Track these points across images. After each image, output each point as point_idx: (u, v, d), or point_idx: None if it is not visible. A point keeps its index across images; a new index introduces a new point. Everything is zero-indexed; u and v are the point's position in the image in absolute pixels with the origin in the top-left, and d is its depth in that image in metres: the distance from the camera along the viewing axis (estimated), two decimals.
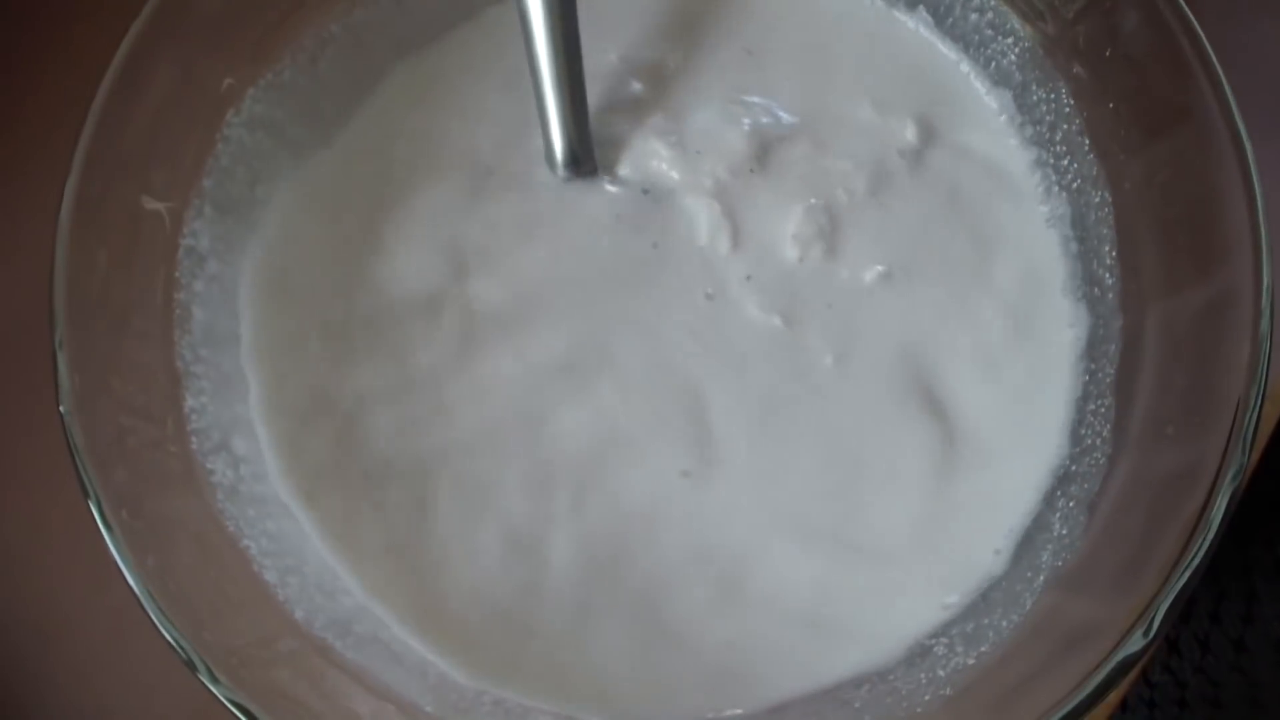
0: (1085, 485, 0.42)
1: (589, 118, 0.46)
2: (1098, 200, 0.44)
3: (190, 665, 0.36)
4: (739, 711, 0.42)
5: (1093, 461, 0.42)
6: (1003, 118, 0.47)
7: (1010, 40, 0.46)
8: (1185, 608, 0.36)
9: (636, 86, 0.48)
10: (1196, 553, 0.35)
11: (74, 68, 0.48)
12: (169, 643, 0.36)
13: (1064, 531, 0.41)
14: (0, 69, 0.54)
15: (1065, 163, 0.45)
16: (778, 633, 0.43)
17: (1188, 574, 0.35)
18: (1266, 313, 0.37)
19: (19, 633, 0.49)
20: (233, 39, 0.44)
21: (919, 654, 0.42)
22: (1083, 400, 0.44)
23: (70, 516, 0.47)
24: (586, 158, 0.46)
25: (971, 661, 0.40)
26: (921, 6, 0.48)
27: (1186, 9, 0.40)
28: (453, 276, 0.46)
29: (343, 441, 0.44)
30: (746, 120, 0.47)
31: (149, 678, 0.48)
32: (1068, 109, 0.45)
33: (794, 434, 0.44)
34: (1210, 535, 0.35)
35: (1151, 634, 0.35)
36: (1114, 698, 0.42)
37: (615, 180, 0.47)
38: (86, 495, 0.37)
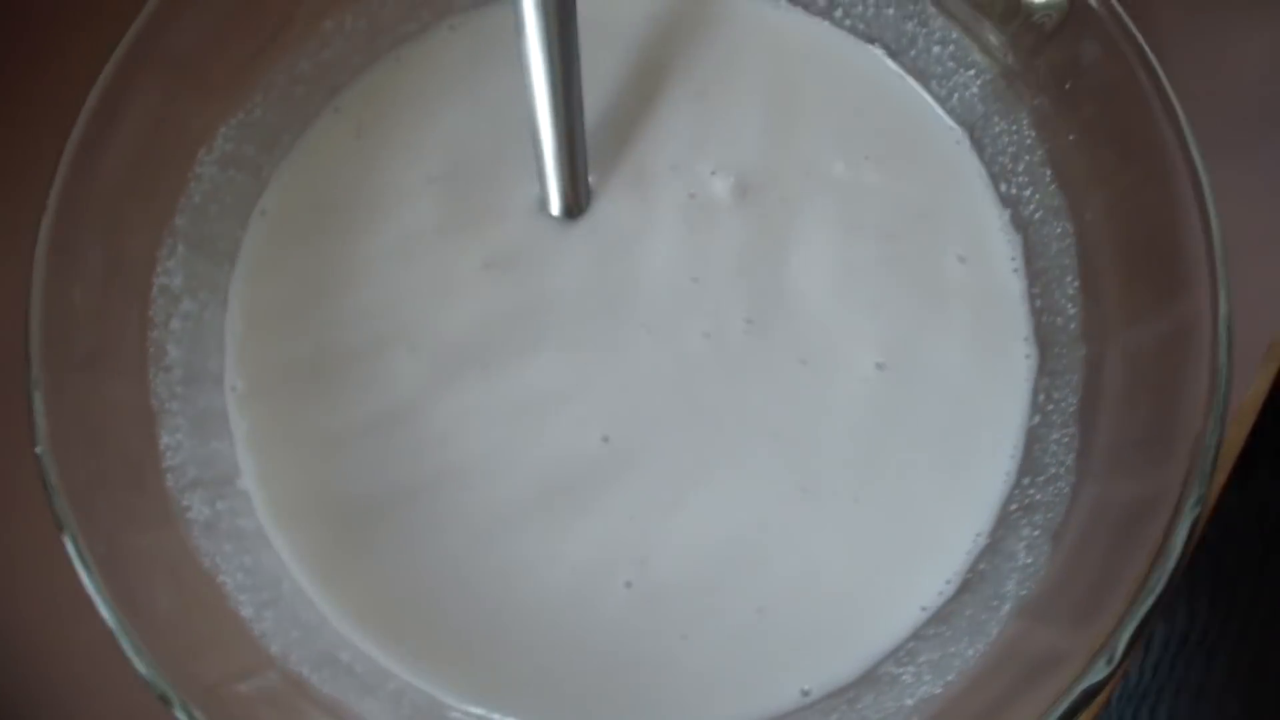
0: (1050, 514, 0.42)
1: (588, 169, 0.47)
2: (1059, 231, 0.45)
3: (164, 700, 0.36)
4: None
5: (1057, 490, 0.42)
6: (965, 149, 0.48)
7: (972, 73, 0.46)
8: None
9: (607, 129, 0.48)
10: (1158, 582, 0.36)
11: (51, 101, 0.49)
12: (143, 677, 0.36)
13: (1029, 560, 0.42)
14: None
15: (1028, 194, 0.46)
16: (759, 644, 0.44)
17: (1149, 602, 0.36)
18: (1224, 343, 0.37)
19: (1, 661, 0.49)
20: (204, 78, 0.44)
21: (886, 682, 0.42)
22: (1045, 429, 0.44)
23: (50, 546, 0.47)
24: (579, 205, 0.47)
25: (939, 690, 0.40)
26: (878, 42, 0.49)
27: (1143, 43, 0.40)
28: (431, 306, 0.46)
29: (325, 474, 0.45)
30: (712, 161, 0.48)
31: (132, 706, 0.48)
32: (1029, 141, 0.45)
33: (777, 448, 0.45)
34: (1171, 564, 0.36)
35: (1114, 663, 0.35)
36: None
37: (592, 218, 0.47)
38: (62, 532, 0.37)
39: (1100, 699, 0.37)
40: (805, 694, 0.43)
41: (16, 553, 0.50)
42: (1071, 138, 0.44)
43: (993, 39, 0.45)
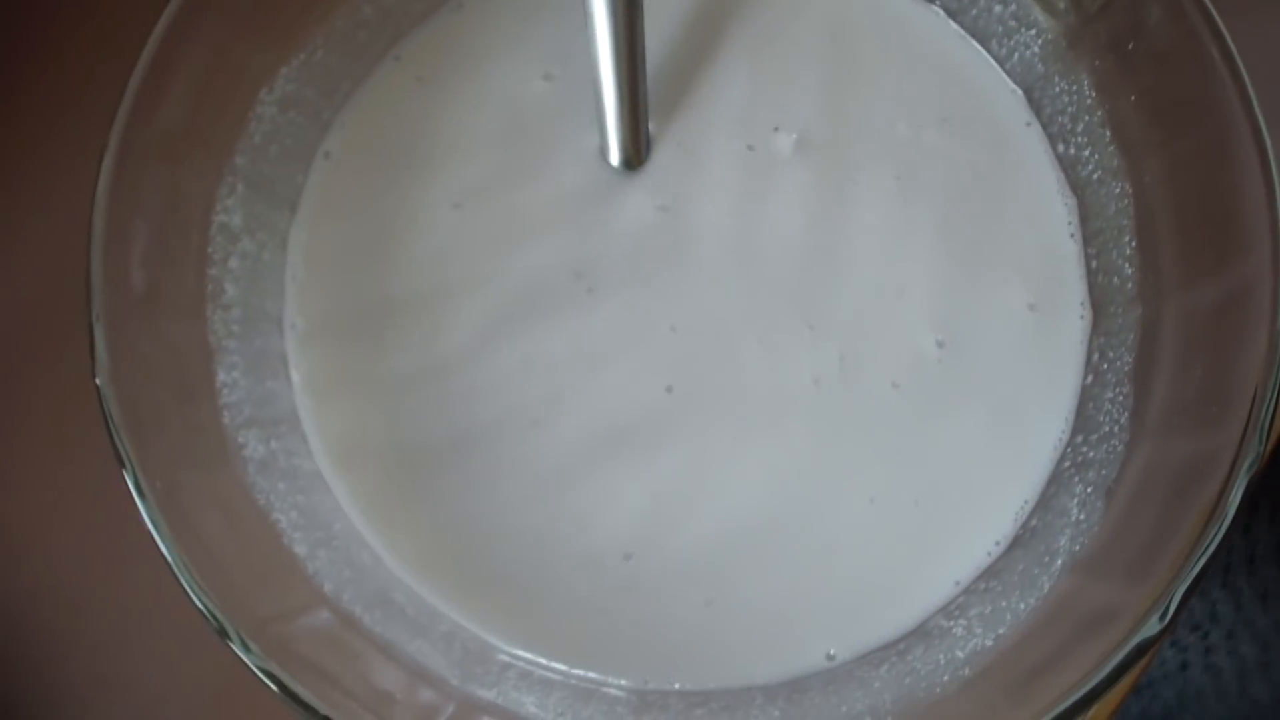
0: (1103, 471, 0.42)
1: (649, 119, 0.47)
2: (1118, 192, 0.45)
3: (222, 633, 0.36)
4: (762, 683, 0.44)
5: (1110, 448, 0.42)
6: (1024, 111, 0.48)
7: (1033, 33, 0.46)
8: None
9: (666, 80, 0.48)
10: (1212, 540, 0.36)
11: (95, 46, 0.49)
12: (200, 610, 0.37)
13: (1082, 517, 0.42)
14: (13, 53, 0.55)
15: (1086, 154, 0.46)
16: (815, 598, 0.44)
17: (1203, 560, 0.36)
18: None
19: (46, 605, 0.49)
20: (266, 18, 0.44)
21: (937, 635, 0.42)
22: (1099, 388, 0.44)
23: (94, 493, 0.48)
24: (639, 156, 0.47)
25: (990, 643, 0.40)
26: (938, 1, 0.49)
27: (1210, 4, 0.40)
28: (490, 255, 0.46)
29: (382, 418, 0.45)
30: (774, 117, 0.48)
31: (173, 651, 0.49)
32: (1089, 101, 0.45)
33: (835, 406, 0.45)
34: (1226, 523, 0.36)
35: (1167, 618, 0.36)
36: (1127, 681, 0.43)
37: (651, 168, 0.47)
38: (122, 465, 0.37)
39: (1151, 654, 0.37)
40: (830, 658, 0.43)
41: (60, 503, 0.50)
42: (1133, 99, 0.43)
43: None
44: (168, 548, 0.37)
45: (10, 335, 0.51)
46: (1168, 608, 0.36)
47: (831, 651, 0.43)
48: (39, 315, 0.51)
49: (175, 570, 0.37)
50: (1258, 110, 0.39)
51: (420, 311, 0.46)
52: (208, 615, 0.37)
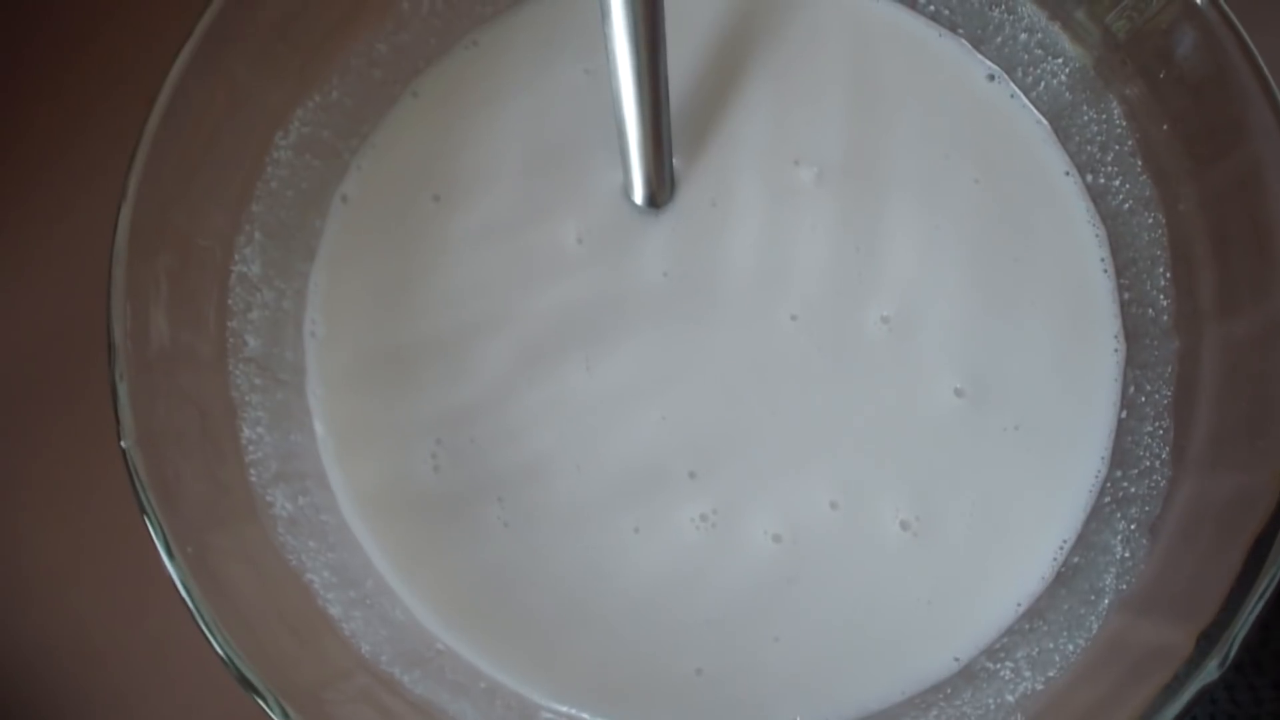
0: (1145, 508, 0.42)
1: (672, 159, 0.46)
2: (1150, 222, 0.44)
3: (261, 699, 0.36)
4: None
5: (1152, 484, 0.42)
6: (1051, 140, 0.47)
7: (1060, 61, 0.46)
8: None
9: (690, 116, 0.47)
10: (1272, 580, 0.35)
11: (114, 91, 0.48)
12: (237, 677, 0.36)
13: (1126, 554, 0.41)
14: (37, 92, 0.54)
15: (1116, 184, 0.45)
16: (848, 644, 0.43)
17: (1262, 602, 0.35)
18: None
19: (64, 657, 0.49)
20: (279, 63, 0.43)
21: (984, 677, 0.42)
22: (1137, 421, 0.44)
23: (112, 542, 0.47)
24: (664, 195, 0.46)
25: (1040, 686, 0.40)
26: (962, 29, 0.48)
27: (1243, 31, 0.39)
28: (512, 295, 0.46)
29: (409, 467, 0.44)
30: (795, 150, 0.47)
31: (190, 703, 0.48)
32: (1119, 130, 0.45)
33: (866, 445, 0.45)
34: None
35: (1227, 663, 0.35)
36: None
37: (676, 207, 0.47)
38: (151, 529, 0.36)
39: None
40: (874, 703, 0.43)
41: (78, 554, 0.50)
42: (1165, 127, 0.43)
43: (1084, 26, 0.44)
44: (202, 613, 0.36)
45: (25, 379, 0.50)
46: (1228, 653, 0.35)
47: (877, 695, 0.43)
48: (53, 358, 0.50)
49: (209, 635, 0.36)
50: None
51: (443, 355, 0.45)
52: (247, 683, 0.36)
